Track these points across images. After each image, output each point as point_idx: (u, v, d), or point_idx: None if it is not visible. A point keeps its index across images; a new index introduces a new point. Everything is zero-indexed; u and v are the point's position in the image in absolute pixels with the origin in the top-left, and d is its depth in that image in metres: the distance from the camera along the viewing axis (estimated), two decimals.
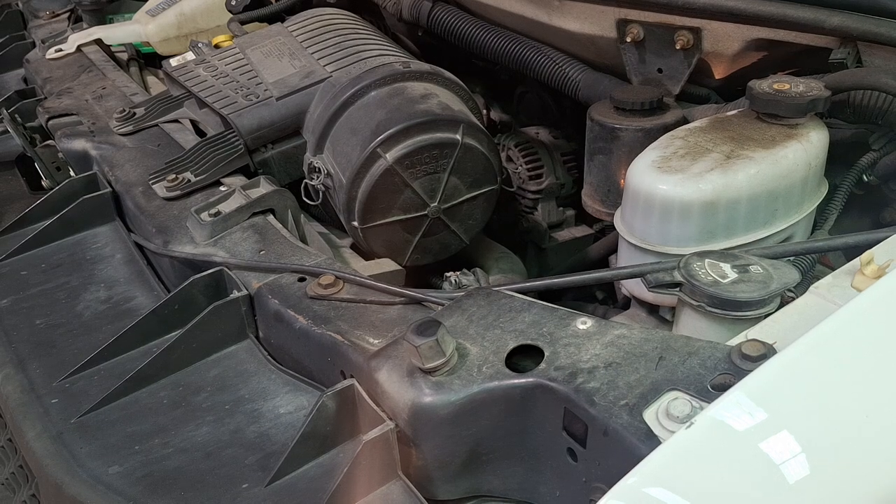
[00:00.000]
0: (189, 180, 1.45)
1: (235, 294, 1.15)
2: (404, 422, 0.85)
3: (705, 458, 0.63)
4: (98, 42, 2.28)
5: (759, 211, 1.09)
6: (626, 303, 1.35)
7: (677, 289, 0.94)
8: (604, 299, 1.64)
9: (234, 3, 2.23)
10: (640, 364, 0.79)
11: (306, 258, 1.20)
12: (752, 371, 0.70)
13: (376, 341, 0.98)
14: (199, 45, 1.89)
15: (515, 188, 1.84)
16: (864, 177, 1.22)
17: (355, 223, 1.45)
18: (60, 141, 1.73)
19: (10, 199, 2.01)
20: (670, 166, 1.11)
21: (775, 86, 1.14)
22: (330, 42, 1.69)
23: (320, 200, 1.52)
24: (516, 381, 0.83)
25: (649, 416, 0.73)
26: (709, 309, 0.90)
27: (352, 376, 0.96)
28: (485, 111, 2.03)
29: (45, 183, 1.85)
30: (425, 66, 1.57)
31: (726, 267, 0.91)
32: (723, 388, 0.71)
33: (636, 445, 0.71)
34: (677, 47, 1.36)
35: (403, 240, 1.50)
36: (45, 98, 1.98)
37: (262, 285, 1.15)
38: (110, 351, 1.16)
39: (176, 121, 1.74)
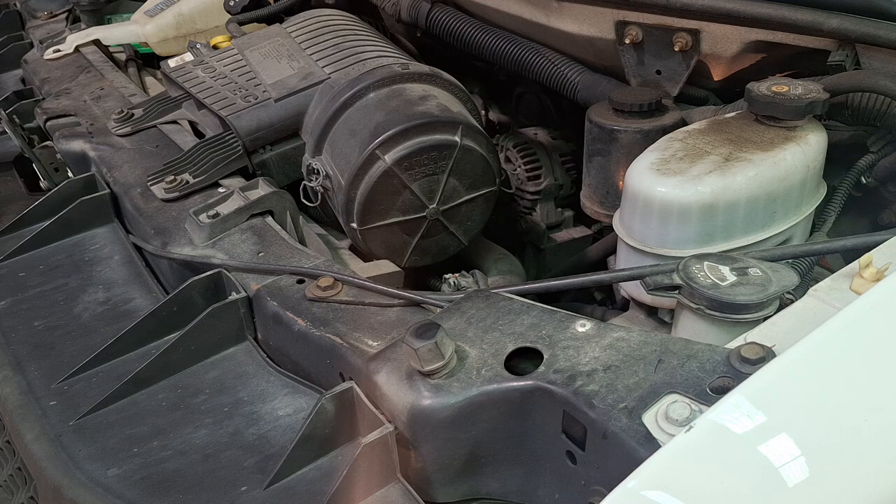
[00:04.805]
0: (187, 182, 1.45)
1: (234, 296, 1.15)
2: (403, 424, 0.85)
3: (705, 462, 0.63)
4: (96, 42, 2.28)
5: (758, 213, 1.09)
6: (624, 304, 1.36)
7: (676, 291, 0.94)
8: (602, 300, 1.64)
9: (232, 3, 2.23)
10: (639, 367, 0.79)
11: (305, 260, 1.20)
12: (751, 374, 0.70)
13: (375, 343, 0.98)
14: (198, 45, 1.89)
15: (514, 189, 1.84)
16: (863, 179, 1.23)
17: (354, 225, 1.45)
18: (59, 142, 1.72)
19: (8, 201, 2.01)
20: (669, 168, 1.11)
21: (774, 88, 1.14)
22: (329, 43, 1.69)
23: (319, 202, 1.52)
24: (515, 383, 0.83)
25: (648, 419, 0.73)
26: (708, 311, 0.90)
27: (351, 378, 0.96)
28: (483, 112, 2.04)
29: (43, 184, 1.85)
30: (424, 68, 1.57)
31: (725, 269, 0.91)
32: (722, 391, 0.72)
33: (635, 448, 0.71)
34: (676, 49, 1.36)
35: (402, 241, 1.50)
36: (44, 99, 1.98)
37: (260, 287, 1.15)
38: (109, 353, 1.16)
39: (174, 122, 1.74)
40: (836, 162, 1.20)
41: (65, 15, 2.65)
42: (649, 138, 1.27)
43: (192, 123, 1.74)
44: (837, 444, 0.63)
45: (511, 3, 1.64)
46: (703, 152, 1.12)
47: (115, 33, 2.34)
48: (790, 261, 1.06)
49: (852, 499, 0.60)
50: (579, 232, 1.89)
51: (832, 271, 0.96)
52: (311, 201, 1.51)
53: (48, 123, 1.81)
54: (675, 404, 0.73)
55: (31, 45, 2.43)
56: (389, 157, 1.40)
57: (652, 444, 0.70)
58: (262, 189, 1.38)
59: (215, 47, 1.92)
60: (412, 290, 1.07)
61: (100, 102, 1.88)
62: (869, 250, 0.86)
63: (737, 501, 0.60)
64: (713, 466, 0.63)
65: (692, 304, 0.91)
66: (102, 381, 1.13)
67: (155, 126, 1.72)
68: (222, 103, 1.58)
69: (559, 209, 1.87)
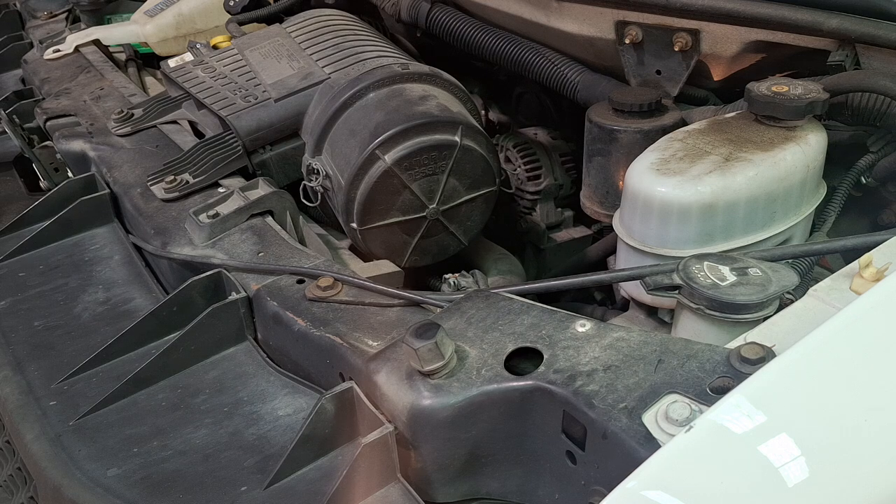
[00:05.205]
0: (187, 182, 1.45)
1: (234, 296, 1.15)
2: (403, 424, 0.85)
3: (704, 462, 0.63)
4: (96, 42, 2.28)
5: (758, 213, 1.09)
6: (624, 304, 1.36)
7: (676, 291, 0.94)
8: (602, 300, 1.64)
9: (232, 3, 2.23)
10: (639, 367, 0.79)
11: (305, 260, 1.20)
12: (751, 374, 0.70)
13: (375, 343, 0.98)
14: (198, 45, 1.89)
15: (514, 189, 1.84)
16: (863, 179, 1.23)
17: (354, 225, 1.45)
18: (58, 142, 1.72)
19: (7, 201, 2.01)
20: (669, 168, 1.11)
21: (774, 88, 1.14)
22: (328, 43, 1.69)
23: (319, 202, 1.52)
24: (515, 383, 0.83)
25: (648, 419, 0.73)
26: (707, 311, 0.90)
27: (350, 378, 0.96)
28: (483, 112, 2.04)
29: (42, 184, 1.85)
30: (424, 68, 1.57)
31: (725, 269, 0.91)
32: (722, 391, 0.72)
33: (635, 448, 0.71)
34: (676, 49, 1.36)
35: (402, 241, 1.50)
36: (43, 99, 1.98)
37: (260, 287, 1.15)
38: (109, 353, 1.16)
39: (174, 122, 1.74)
40: (836, 162, 1.20)
41: (65, 15, 2.65)
42: (649, 138, 1.27)
43: (192, 123, 1.74)
44: (837, 444, 0.63)
45: (511, 3, 1.64)
46: (703, 152, 1.12)
47: (115, 33, 2.34)
48: (790, 261, 1.06)
49: (852, 499, 0.60)
50: (579, 232, 1.89)
51: (832, 271, 0.96)
52: (311, 201, 1.51)
53: (48, 123, 1.81)
54: (675, 404, 0.73)
55: (31, 45, 2.43)
56: (389, 157, 1.40)
57: (652, 444, 0.70)
58: (262, 189, 1.38)
59: (215, 47, 1.92)
60: (412, 290, 1.07)
61: (100, 102, 1.88)
62: (869, 250, 0.86)
63: (737, 501, 0.60)
64: (713, 466, 0.63)
65: (692, 304, 0.91)
66: (102, 381, 1.13)
67: (155, 126, 1.72)
68: (222, 103, 1.58)
69: (559, 209, 1.87)
